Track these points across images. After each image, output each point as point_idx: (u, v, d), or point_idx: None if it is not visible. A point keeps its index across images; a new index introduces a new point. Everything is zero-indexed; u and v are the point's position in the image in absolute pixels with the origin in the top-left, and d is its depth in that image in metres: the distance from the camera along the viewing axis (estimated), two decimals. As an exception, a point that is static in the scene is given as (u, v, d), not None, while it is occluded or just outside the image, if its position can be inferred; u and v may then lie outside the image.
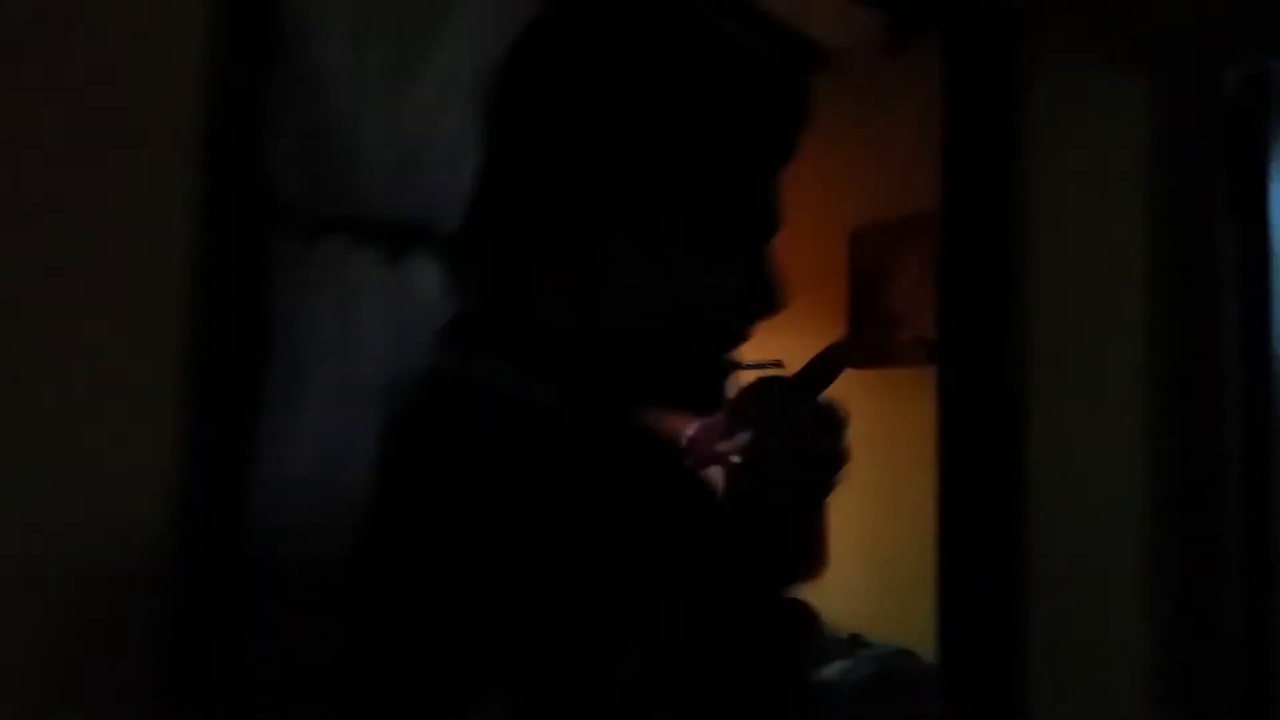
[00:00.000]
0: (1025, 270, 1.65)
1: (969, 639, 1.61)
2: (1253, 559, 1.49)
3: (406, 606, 0.55)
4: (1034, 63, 1.66)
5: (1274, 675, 1.45)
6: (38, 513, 0.88)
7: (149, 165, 0.94)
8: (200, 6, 0.95)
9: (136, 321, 0.94)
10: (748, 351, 1.72)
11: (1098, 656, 1.53)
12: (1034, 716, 1.54)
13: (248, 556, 0.89)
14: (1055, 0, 1.66)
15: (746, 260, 0.71)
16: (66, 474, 0.90)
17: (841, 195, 3.85)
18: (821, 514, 0.78)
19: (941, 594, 1.64)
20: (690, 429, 3.34)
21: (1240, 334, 1.53)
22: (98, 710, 0.88)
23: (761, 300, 0.73)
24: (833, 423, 0.73)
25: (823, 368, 0.79)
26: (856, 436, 1.63)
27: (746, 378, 1.34)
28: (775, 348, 2.56)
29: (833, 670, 3.13)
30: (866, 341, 3.80)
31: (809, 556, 0.78)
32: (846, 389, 1.70)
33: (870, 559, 3.73)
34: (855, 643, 3.48)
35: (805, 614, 0.84)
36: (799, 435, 0.70)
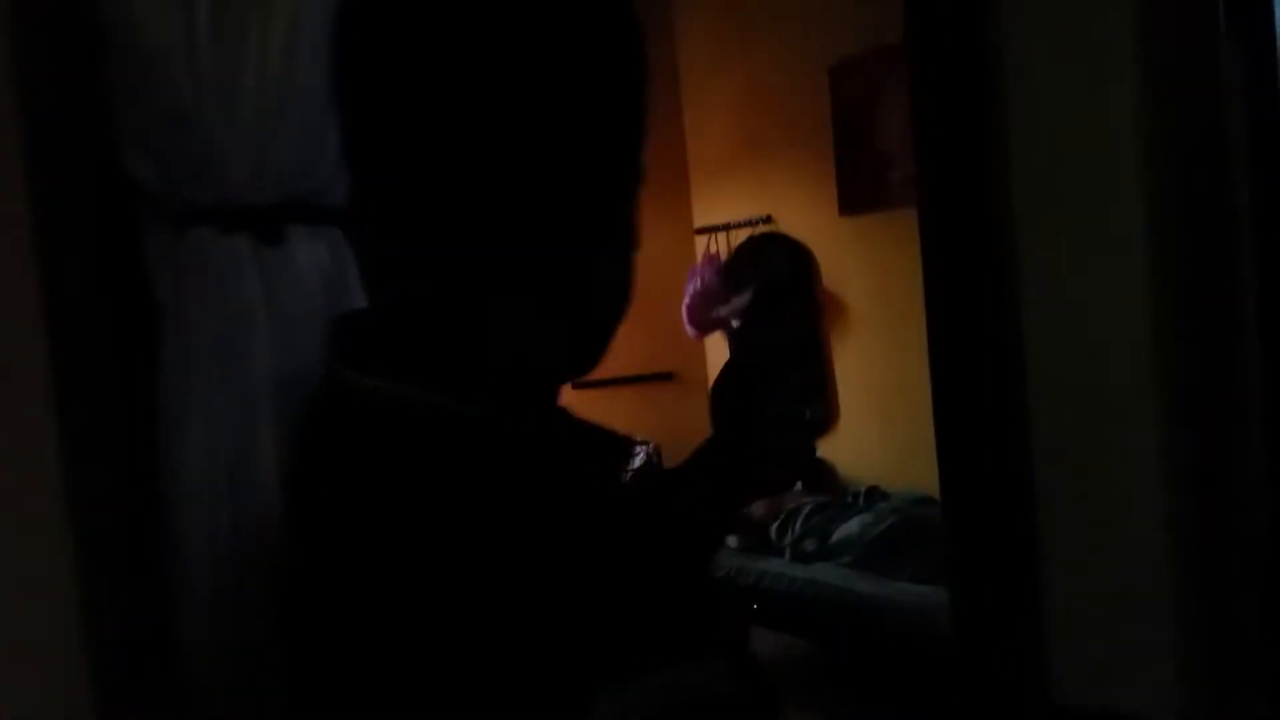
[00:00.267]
0: (1006, 96, 1.54)
1: (972, 487, 1.61)
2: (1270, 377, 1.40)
3: (342, 637, 0.55)
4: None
5: None
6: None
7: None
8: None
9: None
10: (738, 209, 3.11)
11: (1109, 492, 1.49)
12: (1045, 560, 1.53)
13: (152, 579, 0.87)
14: None
15: (618, 213, 0.65)
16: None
17: (818, 26, 3.32)
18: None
19: (940, 443, 1.64)
20: (685, 298, 4.18)
21: (1248, 160, 1.38)
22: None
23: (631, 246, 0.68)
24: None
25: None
26: (857, 286, 2.59)
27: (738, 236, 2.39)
28: (764, 200, 4.14)
29: (852, 526, 3.45)
30: (856, 184, 3.30)
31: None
32: (843, 236, 2.70)
33: (882, 408, 3.38)
34: (874, 495, 3.46)
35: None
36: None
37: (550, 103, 0.59)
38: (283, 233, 0.90)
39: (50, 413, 0.91)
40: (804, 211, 3.74)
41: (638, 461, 3.87)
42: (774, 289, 3.92)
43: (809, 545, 3.26)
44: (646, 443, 3.93)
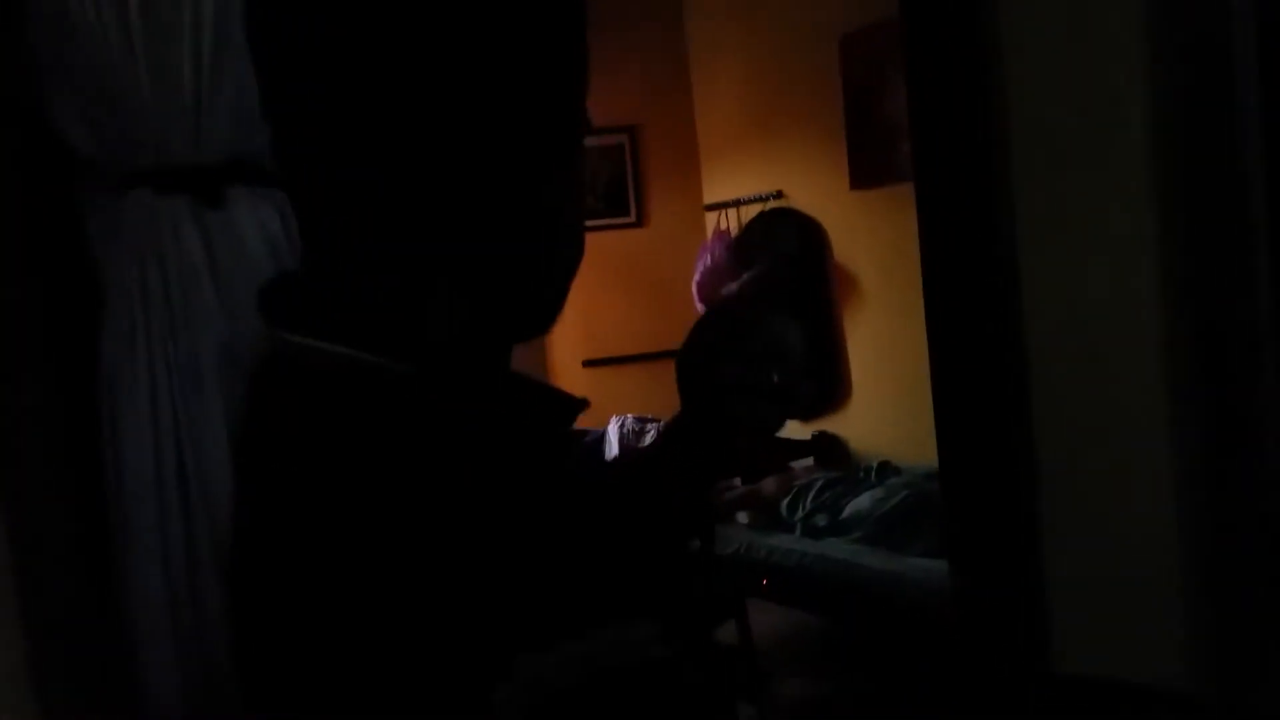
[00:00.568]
0: (1004, 69, 1.49)
1: (972, 457, 1.60)
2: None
3: (296, 612, 0.55)
4: None
5: None
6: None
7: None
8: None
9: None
10: (749, 185, 3.14)
11: (1113, 460, 1.46)
12: (1048, 529, 1.52)
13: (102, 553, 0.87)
14: None
15: (563, 170, 0.63)
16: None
17: None
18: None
19: (939, 413, 1.64)
20: (696, 275, 4.16)
21: (1260, 114, 1.32)
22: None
23: (584, 209, 0.67)
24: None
25: None
26: (868, 260, 2.58)
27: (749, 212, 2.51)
28: (774, 175, 4.14)
29: (863, 501, 3.46)
30: (867, 158, 3.27)
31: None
32: (855, 210, 2.68)
33: (894, 383, 3.37)
34: (886, 470, 3.46)
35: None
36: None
37: (480, 46, 0.57)
38: (223, 194, 0.88)
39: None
40: (815, 186, 3.71)
41: (648, 439, 3.87)
42: (785, 265, 3.89)
43: (820, 520, 3.26)
44: (657, 420, 3.93)
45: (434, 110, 0.57)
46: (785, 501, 3.44)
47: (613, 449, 3.86)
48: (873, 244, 3.51)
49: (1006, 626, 1.59)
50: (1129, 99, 1.46)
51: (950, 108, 1.60)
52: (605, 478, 0.73)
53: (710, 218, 4.17)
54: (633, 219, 4.31)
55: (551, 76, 0.61)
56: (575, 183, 0.65)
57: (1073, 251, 1.53)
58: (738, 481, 3.64)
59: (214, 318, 0.86)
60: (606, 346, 4.19)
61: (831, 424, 3.78)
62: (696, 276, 4.13)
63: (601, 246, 4.25)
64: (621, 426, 4.00)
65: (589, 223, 0.69)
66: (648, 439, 3.89)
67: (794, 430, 3.80)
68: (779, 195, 3.87)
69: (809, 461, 3.75)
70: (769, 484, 3.51)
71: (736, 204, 4.01)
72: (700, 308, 4.11)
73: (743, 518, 3.44)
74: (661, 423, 3.81)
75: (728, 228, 4.06)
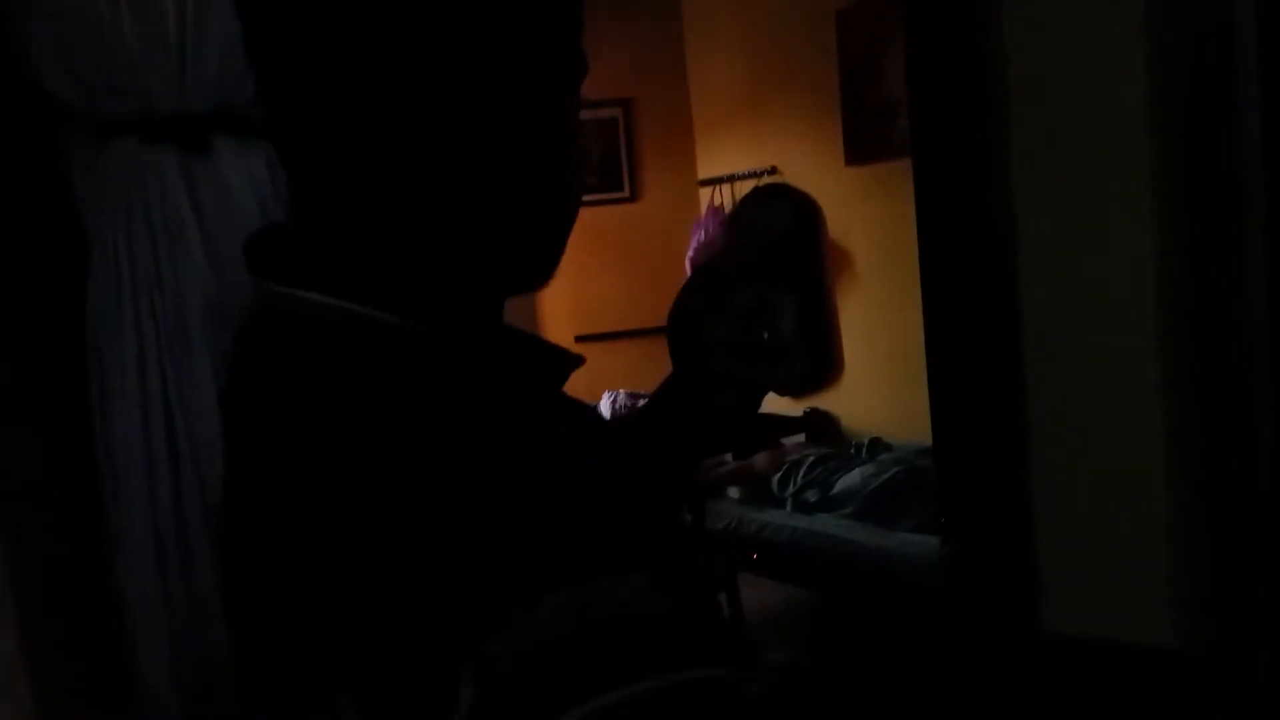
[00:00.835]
0: (1002, 31, 1.43)
1: (964, 423, 1.58)
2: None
3: (284, 593, 0.54)
4: None
5: None
6: None
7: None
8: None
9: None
10: (743, 160, 2.90)
11: (1103, 424, 1.42)
12: (1037, 494, 1.48)
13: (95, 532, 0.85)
14: None
15: (558, 117, 0.61)
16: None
17: None
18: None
19: (932, 381, 1.61)
20: (690, 249, 4.14)
21: (1260, 96, 1.27)
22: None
23: (581, 154, 0.66)
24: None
25: None
26: (863, 236, 2.50)
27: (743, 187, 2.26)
28: (769, 151, 4.09)
29: (853, 477, 3.46)
30: (863, 133, 3.24)
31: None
32: (850, 186, 2.55)
33: (887, 359, 3.37)
34: (877, 446, 3.46)
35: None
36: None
37: None
38: (210, 144, 0.86)
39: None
40: (809, 162, 3.69)
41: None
42: (778, 237, 3.85)
43: (811, 496, 3.27)
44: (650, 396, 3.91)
45: (421, 50, 0.55)
46: (776, 477, 3.45)
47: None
48: (867, 220, 3.49)
49: (996, 591, 1.60)
50: (1129, 75, 1.45)
51: (949, 83, 1.59)
52: (597, 439, 0.71)
53: (704, 193, 4.14)
54: (626, 194, 4.29)
55: (545, 14, 0.59)
56: (569, 130, 0.63)
57: (1069, 228, 1.52)
58: (729, 457, 3.64)
59: (200, 270, 0.84)
60: (599, 322, 4.18)
61: (823, 401, 3.78)
62: (690, 252, 4.11)
63: (595, 221, 4.22)
64: (614, 402, 3.99)
65: (583, 197, 0.67)
66: (639, 414, 3.87)
67: (786, 406, 3.80)
68: (773, 171, 3.84)
69: (800, 438, 3.75)
70: (760, 459, 3.51)
71: (731, 179, 3.98)
72: (693, 283, 4.09)
73: (734, 493, 3.45)
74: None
75: (722, 203, 4.04)
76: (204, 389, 0.83)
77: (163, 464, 0.84)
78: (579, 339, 4.24)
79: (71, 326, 0.89)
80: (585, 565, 0.56)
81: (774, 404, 3.79)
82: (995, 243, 1.57)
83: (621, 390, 3.97)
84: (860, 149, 3.42)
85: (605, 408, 3.92)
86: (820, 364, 3.73)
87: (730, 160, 3.99)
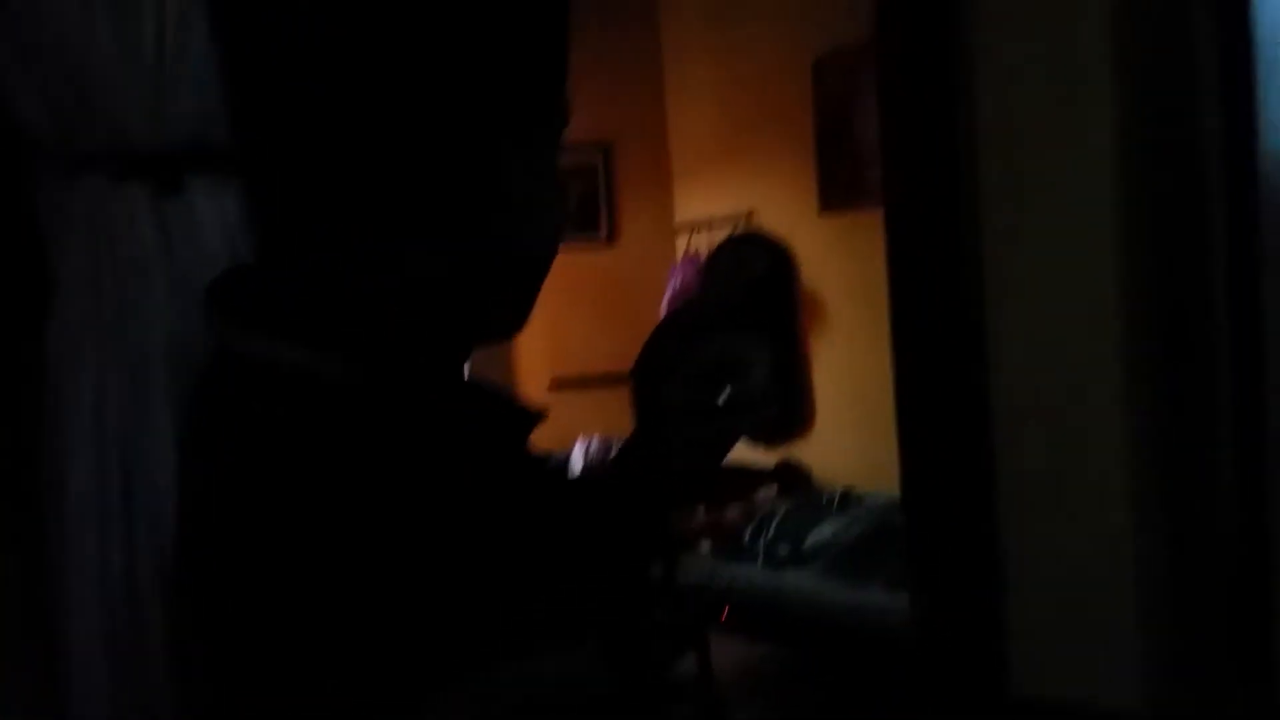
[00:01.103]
0: (972, 84, 1.44)
1: (933, 484, 1.57)
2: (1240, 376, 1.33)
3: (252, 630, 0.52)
4: None
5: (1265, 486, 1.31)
6: None
7: None
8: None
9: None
10: (720, 205, 2.99)
11: (1071, 487, 1.43)
12: (1006, 555, 1.47)
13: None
14: None
15: (542, 163, 0.59)
16: None
17: (803, 20, 3.27)
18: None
19: (902, 440, 1.61)
20: (667, 294, 4.12)
21: (1224, 148, 1.29)
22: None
23: (559, 201, 0.62)
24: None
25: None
26: (836, 284, 2.48)
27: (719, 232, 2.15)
28: (745, 196, 4.08)
29: (825, 530, 3.40)
30: (837, 181, 3.25)
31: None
32: (824, 234, 2.53)
33: (859, 410, 3.34)
34: (848, 498, 3.41)
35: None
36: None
37: (450, 34, 0.54)
38: (183, 183, 0.84)
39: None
40: (785, 208, 3.69)
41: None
42: (752, 286, 3.85)
43: (782, 550, 3.21)
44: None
45: (400, 96, 0.54)
46: (748, 530, 3.38)
47: (577, 470, 3.79)
48: (840, 269, 3.48)
49: (965, 653, 1.55)
50: (1097, 126, 1.44)
51: (921, 133, 1.58)
52: (560, 496, 0.69)
53: (682, 237, 4.14)
54: (604, 237, 4.27)
55: (526, 62, 0.57)
56: (548, 176, 0.61)
57: (1039, 281, 1.50)
58: (701, 509, 3.58)
59: (165, 311, 0.82)
60: (574, 366, 4.13)
61: (795, 451, 3.73)
62: (666, 298, 4.09)
63: (572, 264, 4.19)
64: (588, 448, 3.93)
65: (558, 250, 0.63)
66: (612, 461, 3.81)
67: (758, 458, 3.75)
68: (749, 216, 3.84)
69: (773, 489, 3.69)
70: (732, 511, 3.45)
71: (708, 224, 3.98)
72: (668, 330, 4.05)
73: (705, 546, 3.38)
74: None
75: (697, 250, 4.03)
76: (162, 433, 0.81)
77: (116, 508, 0.81)
78: (554, 383, 4.18)
79: (30, 365, 0.86)
80: (535, 634, 0.54)
81: (746, 455, 3.73)
82: (965, 293, 1.54)
83: (596, 436, 3.90)
84: (834, 197, 3.43)
85: (579, 453, 3.86)
86: (792, 413, 3.69)
87: (707, 205, 3.99)
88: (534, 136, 0.59)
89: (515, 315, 0.63)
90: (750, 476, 3.63)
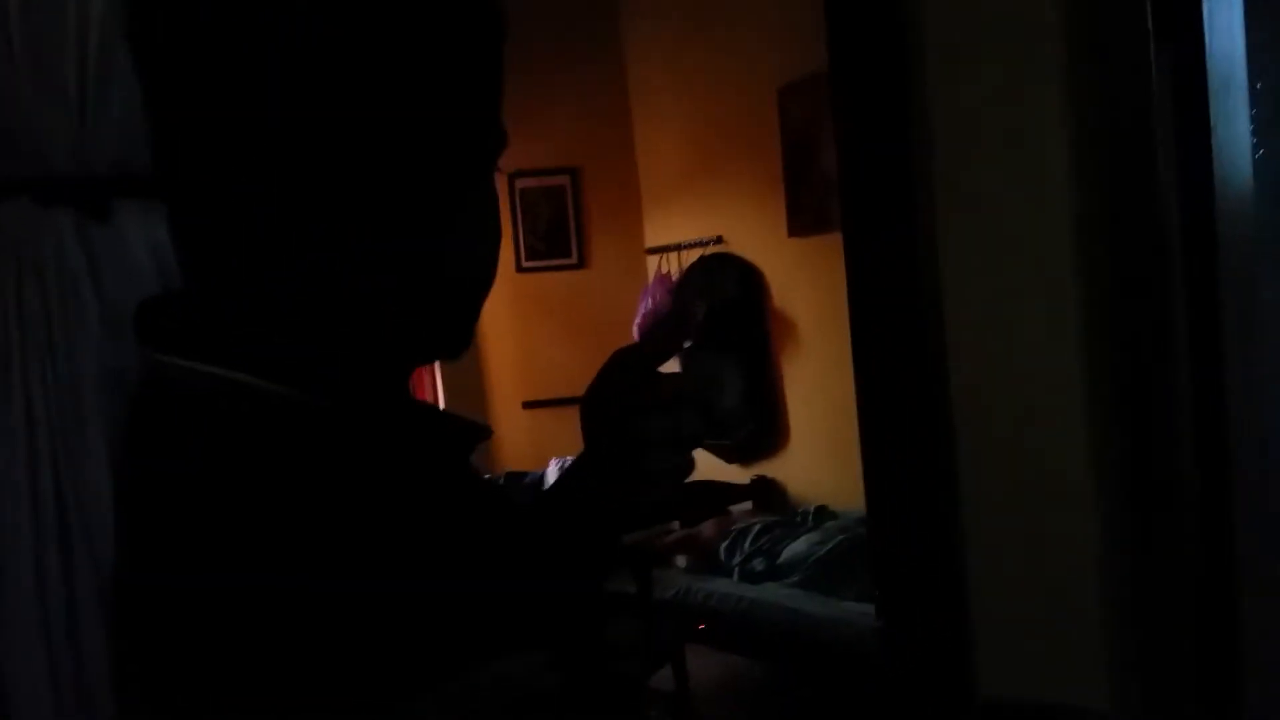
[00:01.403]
0: (927, 117, 1.48)
1: (897, 493, 1.59)
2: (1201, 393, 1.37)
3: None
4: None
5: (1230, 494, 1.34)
6: None
7: None
8: None
9: None
10: (690, 229, 2.92)
11: (1035, 493, 1.46)
12: (970, 573, 1.50)
13: None
14: None
15: (476, 190, 0.60)
16: None
17: (768, 49, 3.37)
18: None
19: (865, 449, 1.63)
20: (638, 317, 4.19)
21: (1179, 181, 1.33)
22: None
23: (494, 226, 0.63)
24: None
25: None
26: (806, 305, 2.55)
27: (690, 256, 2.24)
28: (715, 221, 4.11)
29: (799, 545, 3.44)
30: (804, 206, 3.34)
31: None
32: (793, 256, 2.63)
33: (831, 427, 3.40)
34: (822, 514, 3.46)
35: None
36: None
37: (386, 52, 0.54)
38: (110, 208, 0.83)
39: None
40: (754, 232, 3.76)
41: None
42: (724, 309, 3.90)
43: (757, 565, 3.25)
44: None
45: (330, 118, 0.54)
46: (723, 545, 3.42)
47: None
48: (810, 290, 3.55)
49: (932, 660, 1.59)
50: (1052, 151, 1.50)
51: (875, 163, 1.63)
52: (501, 516, 0.69)
53: (652, 261, 4.19)
54: (574, 260, 4.31)
55: (460, 87, 0.57)
56: (484, 200, 0.62)
57: (997, 301, 1.56)
58: (676, 525, 3.61)
59: (95, 336, 0.81)
60: (546, 388, 4.15)
61: (769, 468, 3.78)
62: (638, 320, 4.14)
63: (543, 287, 4.23)
64: (561, 468, 3.95)
65: (530, 263, 0.65)
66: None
67: (732, 474, 3.79)
68: (719, 240, 3.91)
69: (748, 505, 3.74)
70: (708, 528, 3.49)
71: (678, 248, 4.03)
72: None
73: (681, 561, 3.41)
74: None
75: (669, 271, 4.08)
76: (96, 459, 0.80)
77: (51, 538, 0.79)
78: (526, 405, 4.21)
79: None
80: (478, 649, 0.54)
81: (721, 472, 3.77)
82: (925, 318, 1.59)
83: (569, 457, 3.93)
84: (802, 221, 3.49)
85: (552, 474, 3.88)
86: (765, 431, 3.74)
87: (677, 229, 4.05)
88: (468, 160, 0.59)
89: (455, 336, 0.63)
90: (725, 493, 3.68)
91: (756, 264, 3.76)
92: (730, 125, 3.78)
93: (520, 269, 4.19)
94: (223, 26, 0.53)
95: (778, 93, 3.56)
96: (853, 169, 1.68)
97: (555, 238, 4.28)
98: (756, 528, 3.42)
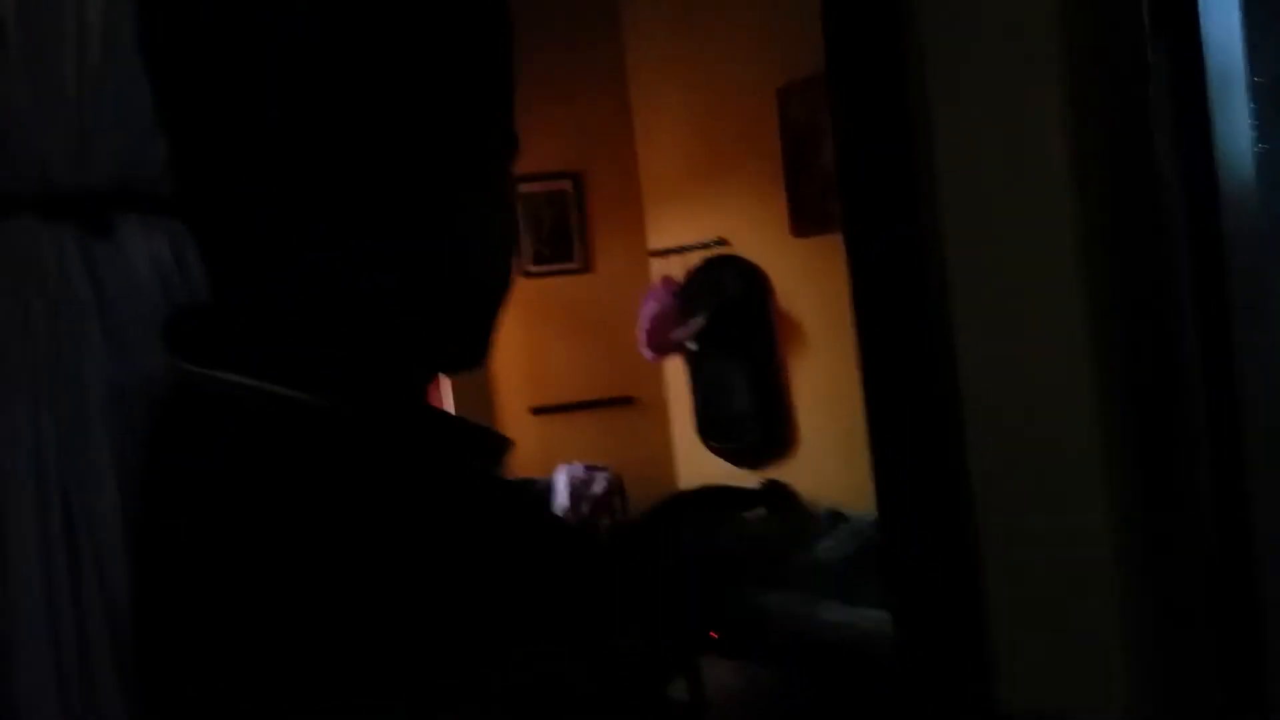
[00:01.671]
0: (927, 116, 1.46)
1: (909, 501, 1.56)
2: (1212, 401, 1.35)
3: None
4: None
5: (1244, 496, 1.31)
6: None
7: None
8: None
9: None
10: (693, 232, 2.93)
11: (1050, 500, 1.44)
12: (986, 580, 1.48)
13: None
14: None
15: (477, 191, 0.59)
16: None
17: (767, 49, 3.35)
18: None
19: (876, 459, 1.60)
20: (644, 321, 4.17)
21: (1181, 176, 1.33)
22: None
23: (512, 233, 0.63)
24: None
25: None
26: (811, 306, 2.54)
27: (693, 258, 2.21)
28: (717, 222, 4.10)
29: (813, 551, 3.42)
30: (807, 206, 3.32)
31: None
32: (797, 257, 2.64)
33: (841, 430, 3.38)
34: (836, 518, 3.45)
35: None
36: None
37: (399, 55, 0.54)
38: (113, 223, 0.81)
39: None
40: (757, 233, 3.75)
41: (598, 487, 3.81)
42: (729, 311, 3.92)
43: (771, 572, 3.24)
44: (605, 469, 3.87)
45: (346, 122, 0.54)
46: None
47: (560, 497, 3.79)
48: (815, 291, 3.54)
49: (950, 670, 1.57)
50: (1052, 141, 1.49)
51: (876, 161, 1.62)
52: (532, 525, 0.68)
53: (656, 264, 4.18)
54: (578, 265, 4.31)
55: (473, 89, 0.57)
56: (501, 205, 0.61)
57: (1003, 298, 1.54)
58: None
59: (101, 355, 0.79)
60: (553, 393, 4.15)
61: (780, 472, 3.77)
62: (643, 323, 4.13)
63: (547, 291, 4.22)
64: (569, 474, 3.95)
65: (535, 268, 0.65)
66: (595, 487, 3.83)
67: (744, 479, 3.78)
68: (722, 242, 3.90)
69: (760, 511, 3.73)
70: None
71: (681, 250, 4.03)
72: (648, 354, 4.10)
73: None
74: (610, 470, 3.74)
75: (672, 274, 4.08)
76: (103, 478, 0.78)
77: (61, 563, 0.77)
78: (534, 410, 4.20)
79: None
80: (511, 649, 0.53)
81: (733, 477, 3.76)
82: (929, 316, 1.58)
83: (577, 462, 3.92)
84: (805, 221, 3.48)
85: (561, 480, 3.87)
86: (774, 434, 3.73)
87: (680, 232, 4.04)
88: (467, 161, 0.59)
89: (475, 344, 0.63)
90: (737, 498, 3.67)
91: (761, 265, 3.75)
92: (731, 126, 3.77)
93: (525, 274, 4.19)
94: (223, 26, 0.54)
95: (778, 93, 3.55)
96: (851, 169, 1.67)
97: (559, 242, 4.28)
98: (770, 533, 3.41)
